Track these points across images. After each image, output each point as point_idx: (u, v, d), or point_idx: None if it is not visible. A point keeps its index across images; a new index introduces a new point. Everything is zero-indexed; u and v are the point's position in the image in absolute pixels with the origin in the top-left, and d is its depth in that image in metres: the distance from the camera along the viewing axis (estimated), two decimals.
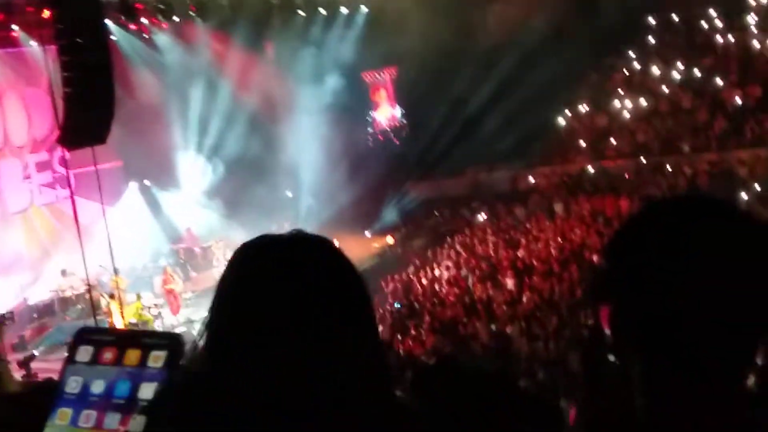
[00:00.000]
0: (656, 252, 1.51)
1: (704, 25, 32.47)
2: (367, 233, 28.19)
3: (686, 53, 31.67)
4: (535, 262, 21.28)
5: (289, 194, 26.51)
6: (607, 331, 1.58)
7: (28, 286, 20.65)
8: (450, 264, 23.14)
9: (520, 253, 22.39)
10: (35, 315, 20.42)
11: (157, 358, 1.04)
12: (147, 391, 1.19)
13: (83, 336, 0.98)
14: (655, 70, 31.51)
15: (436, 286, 21.75)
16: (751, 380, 1.53)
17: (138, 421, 1.14)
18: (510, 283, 20.55)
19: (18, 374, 14.68)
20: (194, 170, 25.10)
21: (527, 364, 14.15)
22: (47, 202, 22.17)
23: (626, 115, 30.66)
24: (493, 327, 16.85)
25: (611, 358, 1.79)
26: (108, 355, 1.24)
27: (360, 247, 26.00)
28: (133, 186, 24.50)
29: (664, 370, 1.51)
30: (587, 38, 32.99)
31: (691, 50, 31.77)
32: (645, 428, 1.51)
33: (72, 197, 18.82)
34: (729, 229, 1.50)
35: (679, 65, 31.08)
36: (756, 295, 1.46)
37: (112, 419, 1.20)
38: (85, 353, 1.23)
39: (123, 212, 23.26)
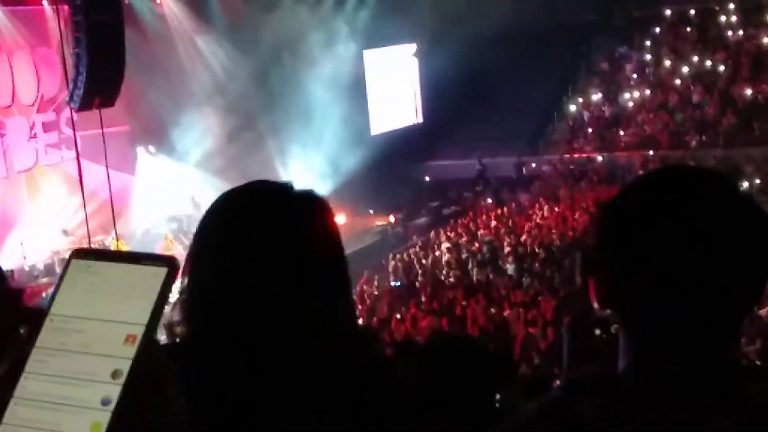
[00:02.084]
0: (635, 224, 1.52)
1: (720, 19, 32.34)
2: (371, 210, 28.19)
3: (699, 47, 31.59)
4: (537, 249, 21.29)
5: (295, 168, 26.45)
6: (595, 304, 1.60)
7: (29, 245, 20.66)
8: (451, 246, 23.15)
9: (523, 238, 22.39)
10: (35, 274, 20.44)
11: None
12: None
13: (79, 255, 0.96)
14: (667, 63, 31.44)
15: (436, 268, 21.78)
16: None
17: None
18: (510, 268, 20.58)
19: None
20: (199, 137, 25.01)
21: (524, 348, 14.17)
22: (52, 162, 22.15)
23: (636, 106, 30.63)
24: (492, 310, 16.85)
25: (597, 331, 1.79)
26: None
27: (362, 224, 26.05)
28: (139, 151, 24.47)
29: (645, 342, 1.52)
30: (602, 27, 32.99)
31: (705, 44, 31.68)
32: (625, 389, 1.52)
33: (78, 159, 18.80)
34: (709, 200, 1.50)
35: (692, 59, 31.01)
36: (734, 268, 1.47)
37: None
38: None
39: (127, 177, 23.26)
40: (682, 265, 1.46)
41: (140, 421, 0.87)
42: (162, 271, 0.91)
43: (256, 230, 1.64)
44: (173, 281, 0.90)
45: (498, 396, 2.74)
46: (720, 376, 1.48)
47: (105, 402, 0.87)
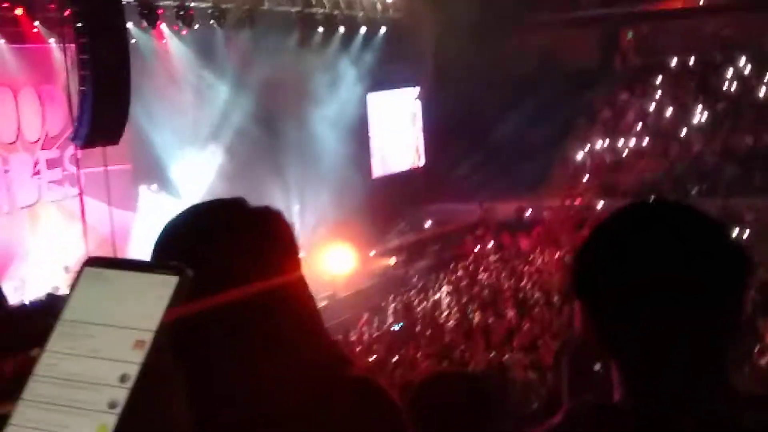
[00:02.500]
0: (611, 254, 1.56)
1: (724, 69, 32.52)
2: (371, 252, 28.20)
3: (700, 96, 31.76)
4: (536, 293, 21.25)
5: (296, 208, 26.46)
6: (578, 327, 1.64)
7: (30, 281, 20.64)
8: (451, 289, 23.13)
9: (523, 283, 22.37)
10: None
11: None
12: None
13: (91, 263, 0.98)
14: (669, 111, 31.60)
15: (436, 311, 21.73)
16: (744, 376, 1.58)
17: None
18: (510, 313, 20.53)
19: None
20: (201, 175, 25.06)
21: (523, 393, 14.12)
22: (55, 199, 22.20)
23: (637, 153, 30.74)
24: (491, 354, 16.81)
25: (597, 366, 1.82)
26: None
27: (362, 266, 26.04)
28: (141, 189, 24.52)
29: (635, 374, 1.56)
30: (604, 73, 33.19)
31: (706, 93, 31.84)
32: (621, 418, 1.54)
33: (80, 196, 18.86)
34: (677, 233, 1.54)
35: (693, 108, 31.16)
36: (708, 297, 1.50)
37: None
38: None
39: (130, 215, 23.29)
40: (655, 301, 1.49)
41: (146, 424, 0.89)
42: (173, 279, 0.93)
43: (211, 240, 1.66)
44: (185, 289, 0.93)
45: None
46: (713, 403, 1.50)
47: (112, 405, 0.89)
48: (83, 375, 0.92)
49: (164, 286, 0.92)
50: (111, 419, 0.89)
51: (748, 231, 23.21)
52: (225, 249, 1.64)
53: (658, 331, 1.50)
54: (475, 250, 27.60)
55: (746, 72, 32.12)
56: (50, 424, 0.92)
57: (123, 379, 0.90)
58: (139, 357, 0.90)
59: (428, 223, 30.84)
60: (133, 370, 0.89)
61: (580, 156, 31.55)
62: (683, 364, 1.51)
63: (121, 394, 0.89)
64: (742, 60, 32.32)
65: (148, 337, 0.91)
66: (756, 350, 14.21)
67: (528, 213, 29.84)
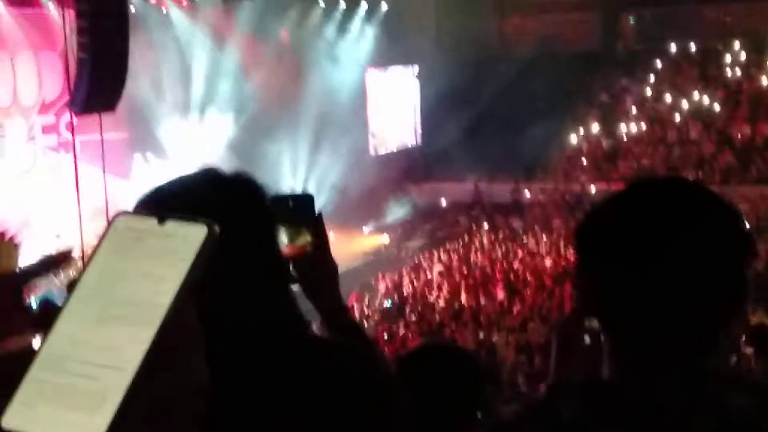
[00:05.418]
0: (605, 236, 1.57)
1: (722, 57, 32.48)
2: (365, 229, 28.22)
3: (700, 84, 31.71)
4: (528, 276, 21.31)
5: (291, 182, 26.44)
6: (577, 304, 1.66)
7: (22, 247, 20.59)
8: (443, 269, 23.17)
9: (515, 265, 22.42)
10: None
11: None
12: None
13: (120, 217, 0.98)
14: (667, 98, 31.55)
15: (427, 290, 21.78)
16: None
17: None
18: (501, 294, 20.59)
19: None
20: (198, 145, 25.00)
21: (511, 374, 14.18)
22: (50, 165, 22.15)
23: (634, 139, 30.73)
24: (481, 335, 16.87)
25: (587, 340, 1.83)
26: None
27: (354, 244, 26.04)
28: (137, 157, 24.48)
29: (626, 348, 1.56)
30: (604, 58, 33.12)
31: (705, 81, 31.80)
32: (609, 392, 1.55)
33: (75, 162, 18.81)
34: (687, 208, 1.54)
35: (692, 95, 31.12)
36: (703, 272, 1.50)
37: None
38: None
39: (125, 183, 23.24)
40: (651, 273, 1.50)
41: (163, 384, 0.89)
42: (201, 233, 0.93)
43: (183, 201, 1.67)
44: (212, 244, 0.92)
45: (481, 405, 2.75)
46: (705, 384, 1.51)
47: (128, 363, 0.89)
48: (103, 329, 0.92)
49: (192, 240, 0.92)
50: (127, 376, 0.88)
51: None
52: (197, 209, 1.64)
53: (655, 305, 1.50)
54: (469, 231, 27.64)
55: (746, 60, 32.07)
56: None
57: (142, 336, 0.89)
58: (161, 314, 0.90)
59: (423, 202, 30.84)
60: (154, 328, 0.89)
61: (576, 140, 31.51)
62: (677, 341, 1.51)
63: (140, 352, 0.88)
64: (743, 48, 32.27)
65: (171, 293, 0.91)
66: (743, 339, 14.27)
67: (523, 195, 29.87)
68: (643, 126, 30.89)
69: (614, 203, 1.62)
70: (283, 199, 2.21)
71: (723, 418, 1.46)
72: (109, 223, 0.96)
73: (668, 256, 1.49)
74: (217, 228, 0.93)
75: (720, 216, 1.55)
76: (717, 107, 30.47)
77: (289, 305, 1.71)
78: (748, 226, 1.60)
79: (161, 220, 0.94)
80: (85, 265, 0.94)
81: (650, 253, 1.51)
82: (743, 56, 32.16)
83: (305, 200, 2.27)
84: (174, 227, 0.93)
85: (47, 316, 0.91)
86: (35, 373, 0.89)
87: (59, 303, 0.95)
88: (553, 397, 1.61)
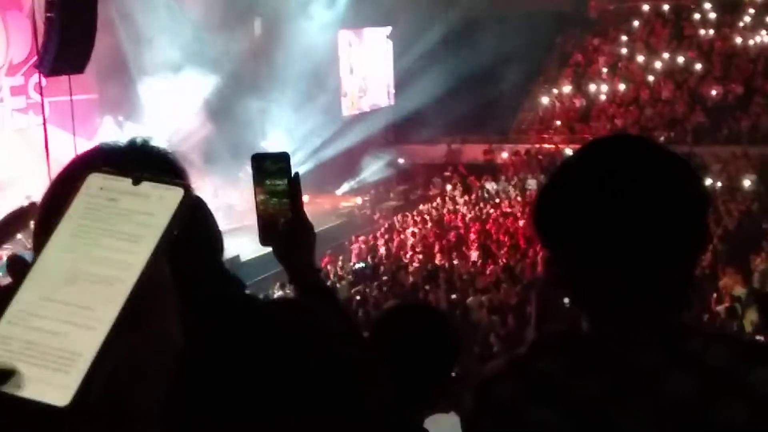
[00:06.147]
0: (572, 186, 1.57)
1: (695, 17, 32.57)
2: (338, 192, 28.19)
3: (672, 44, 31.78)
4: (501, 237, 21.38)
5: (264, 144, 26.34)
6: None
7: None
8: (416, 230, 23.20)
9: (488, 225, 22.48)
10: None
11: None
12: None
13: (94, 173, 0.96)
14: (640, 58, 31.62)
15: (401, 252, 21.81)
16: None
17: None
18: (474, 255, 20.66)
19: None
20: (169, 106, 24.82)
21: (484, 335, 14.25)
22: (18, 127, 21.93)
23: (606, 99, 30.81)
24: (453, 296, 16.93)
25: (566, 300, 1.84)
26: None
27: (328, 205, 26.04)
28: (107, 120, 24.28)
29: (599, 304, 1.57)
30: (577, 18, 33.12)
31: (678, 41, 31.88)
32: (587, 346, 1.57)
33: (44, 124, 18.63)
34: (644, 165, 1.54)
35: (664, 55, 31.20)
36: (668, 234, 1.50)
37: None
38: None
39: (94, 145, 23.05)
40: (614, 238, 1.50)
41: (136, 344, 0.87)
42: (177, 195, 0.91)
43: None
44: (188, 207, 0.91)
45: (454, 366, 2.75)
46: (679, 337, 1.53)
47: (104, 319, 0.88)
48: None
49: (167, 200, 0.91)
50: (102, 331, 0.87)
51: (711, 181, 23.42)
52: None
53: (622, 267, 1.51)
54: (442, 192, 27.70)
55: (717, 20, 32.16)
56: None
57: (116, 294, 0.88)
58: (136, 272, 0.88)
59: (396, 164, 30.83)
60: (128, 287, 0.88)
61: (549, 100, 31.55)
62: (648, 299, 1.53)
63: (115, 309, 0.87)
64: (714, 8, 32.36)
65: (147, 252, 0.89)
66: (713, 297, 14.40)
67: (496, 156, 29.92)
68: (617, 86, 30.95)
69: (565, 174, 1.62)
70: (261, 158, 2.25)
71: (702, 373, 1.47)
72: (82, 182, 0.94)
73: (626, 218, 1.49)
74: (193, 191, 0.91)
75: (675, 172, 1.55)
76: (689, 67, 30.56)
77: (220, 266, 1.70)
78: (705, 181, 1.60)
79: (136, 180, 0.93)
80: (55, 223, 0.93)
81: (609, 218, 1.51)
82: (715, 15, 32.26)
83: (282, 158, 2.29)
84: (149, 188, 0.92)
85: (17, 273, 0.89)
86: (3, 330, 0.87)
87: (29, 260, 0.94)
88: (534, 351, 1.63)
